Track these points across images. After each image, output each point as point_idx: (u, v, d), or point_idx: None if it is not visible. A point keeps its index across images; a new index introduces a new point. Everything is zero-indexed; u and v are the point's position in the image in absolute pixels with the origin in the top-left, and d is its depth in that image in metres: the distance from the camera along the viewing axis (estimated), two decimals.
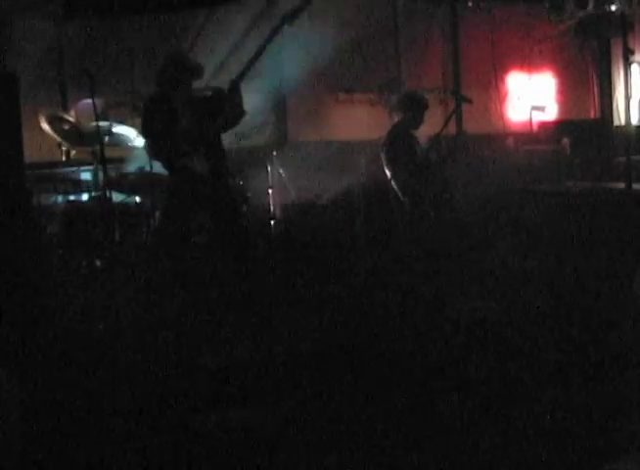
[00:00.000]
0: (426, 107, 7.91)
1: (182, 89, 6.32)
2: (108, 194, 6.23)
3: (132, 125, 7.29)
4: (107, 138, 6.81)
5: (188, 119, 6.26)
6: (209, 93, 6.46)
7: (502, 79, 10.70)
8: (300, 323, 6.01)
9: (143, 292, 6.13)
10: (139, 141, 7.08)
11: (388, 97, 9.54)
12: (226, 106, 6.23)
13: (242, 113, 6.33)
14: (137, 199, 6.99)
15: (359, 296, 6.64)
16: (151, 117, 6.22)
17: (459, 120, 9.90)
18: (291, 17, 6.16)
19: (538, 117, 10.44)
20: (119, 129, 7.14)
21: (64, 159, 7.60)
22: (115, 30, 8.22)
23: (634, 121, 9.91)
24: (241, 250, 6.30)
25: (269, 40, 6.14)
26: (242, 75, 6.18)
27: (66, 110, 8.01)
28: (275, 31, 6.16)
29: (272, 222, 7.80)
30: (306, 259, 7.29)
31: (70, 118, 7.15)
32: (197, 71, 6.38)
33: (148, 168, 6.63)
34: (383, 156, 7.67)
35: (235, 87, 6.17)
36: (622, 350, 5.78)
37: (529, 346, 5.80)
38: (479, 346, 5.71)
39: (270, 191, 7.91)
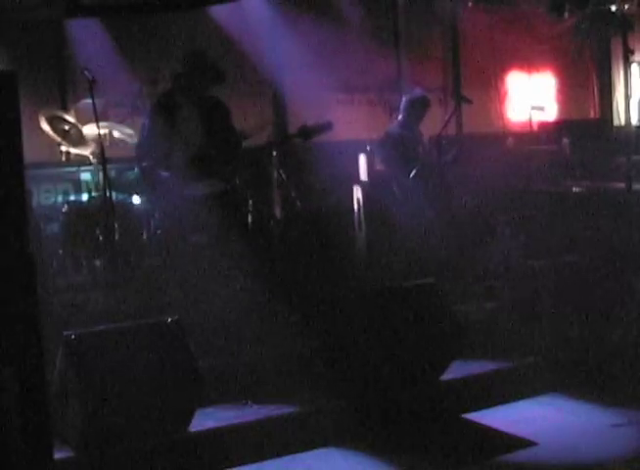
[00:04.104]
0: (428, 105, 7.90)
1: (198, 91, 6.34)
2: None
3: (132, 126, 7.28)
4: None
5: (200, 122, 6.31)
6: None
7: (502, 79, 10.70)
8: None
9: None
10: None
11: (388, 97, 9.55)
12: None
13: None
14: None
15: None
16: (159, 119, 6.23)
17: (459, 120, 9.91)
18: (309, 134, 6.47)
19: (538, 117, 10.44)
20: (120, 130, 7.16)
21: (63, 159, 7.60)
22: (116, 30, 8.21)
23: (634, 121, 9.90)
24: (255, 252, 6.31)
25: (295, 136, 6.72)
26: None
27: (66, 110, 8.01)
28: (295, 136, 6.78)
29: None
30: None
31: (70, 119, 7.14)
32: (219, 78, 6.38)
33: None
34: (378, 154, 7.67)
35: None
36: None
37: None
38: None
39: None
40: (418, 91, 8.10)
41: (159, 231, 6.40)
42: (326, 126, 6.54)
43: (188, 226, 6.24)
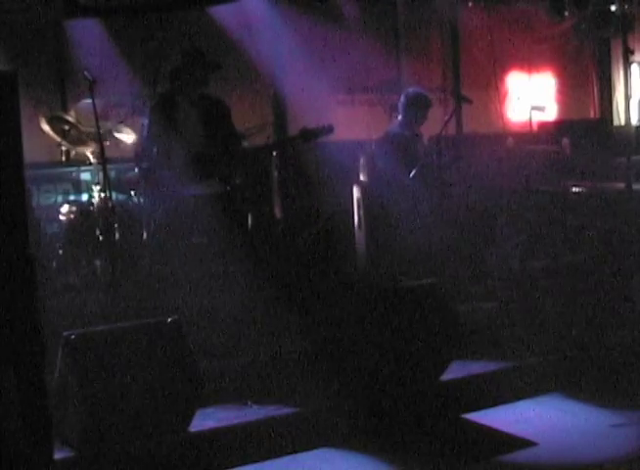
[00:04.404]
0: (426, 103, 7.90)
1: (197, 87, 6.36)
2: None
3: (132, 126, 7.28)
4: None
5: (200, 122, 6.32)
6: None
7: (502, 79, 10.69)
8: None
9: None
10: None
11: (388, 97, 9.55)
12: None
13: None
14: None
15: None
16: (158, 119, 6.24)
17: (459, 120, 9.91)
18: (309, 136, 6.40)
19: (538, 117, 10.43)
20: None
21: (64, 159, 7.60)
22: (116, 30, 8.21)
23: (634, 121, 9.90)
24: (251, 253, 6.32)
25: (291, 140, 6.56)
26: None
27: (66, 110, 8.01)
28: (293, 139, 6.63)
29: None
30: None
31: (70, 119, 7.14)
32: (215, 68, 6.40)
33: None
34: (378, 154, 7.67)
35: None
36: None
37: None
38: None
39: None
40: (413, 89, 8.08)
41: (157, 235, 6.41)
42: (326, 129, 6.53)
43: (188, 226, 6.24)
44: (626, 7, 9.02)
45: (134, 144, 6.87)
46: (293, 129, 9.14)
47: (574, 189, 7.98)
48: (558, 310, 6.31)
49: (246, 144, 7.18)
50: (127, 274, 6.37)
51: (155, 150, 6.20)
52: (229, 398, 5.41)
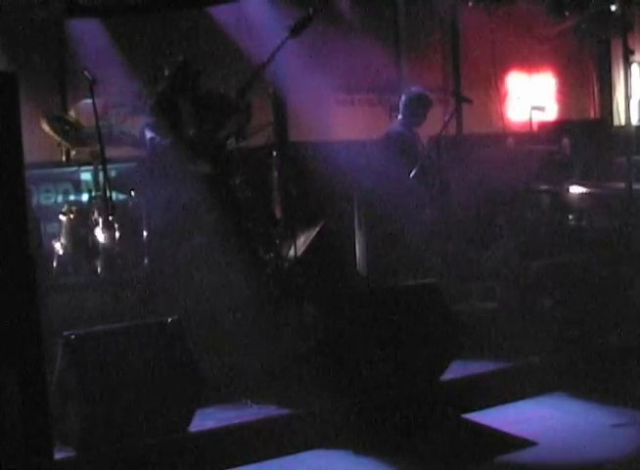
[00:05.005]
0: (427, 103, 7.89)
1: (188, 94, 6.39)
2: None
3: (132, 126, 7.28)
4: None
5: (196, 123, 6.33)
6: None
7: (502, 79, 10.69)
8: None
9: None
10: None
11: (388, 97, 9.55)
12: (233, 113, 6.31)
13: (248, 119, 6.40)
14: None
15: None
16: (160, 118, 6.28)
17: (459, 120, 9.91)
18: (295, 30, 6.20)
19: (538, 117, 10.44)
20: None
21: (64, 159, 7.59)
22: (116, 30, 8.22)
23: (634, 121, 9.90)
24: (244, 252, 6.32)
25: (275, 53, 6.16)
26: (249, 84, 6.20)
27: (66, 110, 8.00)
28: (280, 45, 6.16)
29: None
30: None
31: (71, 119, 7.14)
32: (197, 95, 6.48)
33: None
34: (378, 154, 7.67)
35: (242, 95, 6.22)
36: None
37: None
38: None
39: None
40: (415, 89, 8.08)
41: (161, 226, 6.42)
42: (306, 17, 6.48)
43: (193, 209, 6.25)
44: (626, 7, 9.02)
45: (134, 143, 6.87)
46: (293, 129, 9.14)
47: (574, 189, 7.98)
48: (558, 310, 6.31)
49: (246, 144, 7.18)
50: (127, 274, 6.37)
51: (155, 142, 6.23)
52: (229, 398, 5.41)
